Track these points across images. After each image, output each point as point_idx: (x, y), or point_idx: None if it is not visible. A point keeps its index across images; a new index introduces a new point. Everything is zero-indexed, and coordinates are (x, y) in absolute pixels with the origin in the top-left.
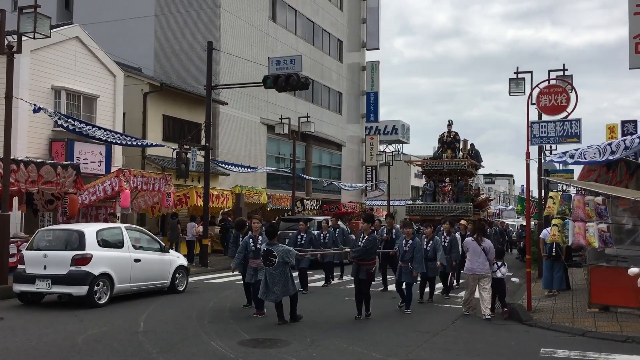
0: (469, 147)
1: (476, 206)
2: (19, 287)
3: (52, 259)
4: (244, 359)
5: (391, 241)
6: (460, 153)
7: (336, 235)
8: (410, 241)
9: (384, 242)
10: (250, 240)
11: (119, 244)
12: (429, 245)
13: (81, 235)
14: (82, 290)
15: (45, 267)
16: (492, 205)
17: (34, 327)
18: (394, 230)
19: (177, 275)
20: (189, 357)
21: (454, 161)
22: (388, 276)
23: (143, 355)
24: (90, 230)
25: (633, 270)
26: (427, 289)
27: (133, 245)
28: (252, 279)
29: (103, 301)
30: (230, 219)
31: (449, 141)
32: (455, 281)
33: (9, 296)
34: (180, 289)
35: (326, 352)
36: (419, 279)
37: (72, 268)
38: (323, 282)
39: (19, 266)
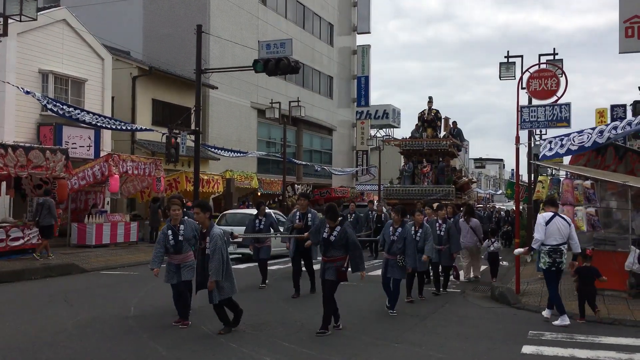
0: (450, 125)
1: (458, 189)
2: None
3: None
4: (233, 342)
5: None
6: (442, 132)
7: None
8: (400, 229)
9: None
10: (169, 231)
11: None
12: (418, 234)
13: None
14: None
15: None
16: (480, 190)
17: (23, 312)
18: (309, 215)
19: None
20: (179, 341)
21: (434, 141)
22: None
23: (133, 339)
24: None
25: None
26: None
27: None
28: (174, 279)
29: None
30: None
31: (429, 119)
32: (455, 273)
33: None
34: None
35: (316, 336)
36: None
37: None
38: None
39: None
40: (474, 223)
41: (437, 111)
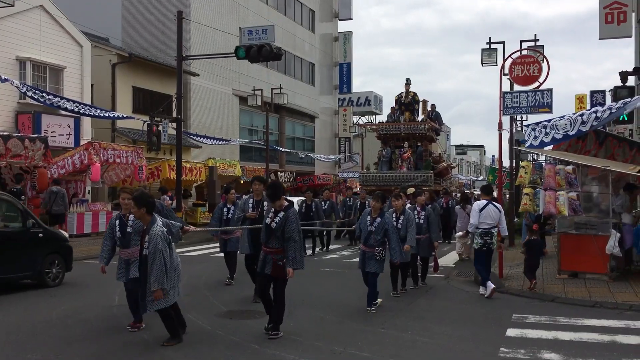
0: (429, 108)
1: (437, 174)
2: None
3: None
4: (221, 330)
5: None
6: (420, 115)
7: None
8: (379, 219)
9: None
10: (117, 221)
11: None
12: (400, 221)
13: None
14: None
15: None
16: (462, 176)
17: (4, 304)
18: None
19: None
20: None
21: (412, 124)
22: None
23: (119, 329)
24: None
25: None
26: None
27: None
28: (123, 277)
29: None
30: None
31: (407, 102)
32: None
33: None
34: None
35: (303, 322)
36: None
37: None
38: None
39: None
40: (469, 209)
41: (415, 94)
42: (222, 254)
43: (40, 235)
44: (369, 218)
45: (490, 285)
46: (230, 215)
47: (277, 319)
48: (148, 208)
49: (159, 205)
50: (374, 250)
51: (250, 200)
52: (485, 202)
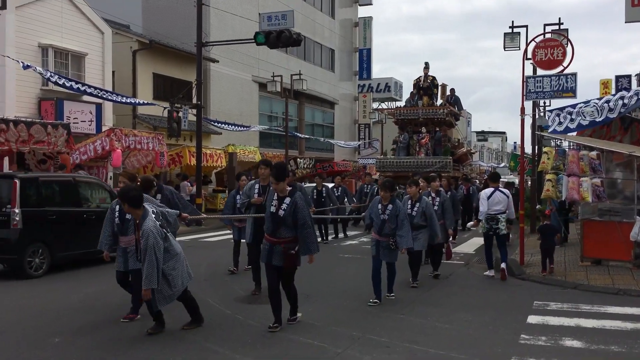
0: (448, 92)
1: (456, 160)
2: None
3: None
4: (240, 315)
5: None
6: (439, 100)
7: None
8: (390, 206)
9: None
10: (117, 207)
11: None
12: (415, 209)
13: None
14: None
15: None
16: (483, 162)
17: (27, 288)
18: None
19: None
20: (186, 314)
21: (430, 109)
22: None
23: (140, 312)
24: None
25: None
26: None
27: None
28: (121, 267)
29: None
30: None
31: (425, 86)
32: (448, 252)
33: None
34: None
35: (321, 308)
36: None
37: None
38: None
39: None
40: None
41: (434, 78)
42: (242, 241)
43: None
44: (380, 206)
45: (492, 272)
46: None
47: (294, 306)
48: (131, 203)
49: (168, 192)
50: (389, 239)
51: (257, 186)
52: (492, 189)
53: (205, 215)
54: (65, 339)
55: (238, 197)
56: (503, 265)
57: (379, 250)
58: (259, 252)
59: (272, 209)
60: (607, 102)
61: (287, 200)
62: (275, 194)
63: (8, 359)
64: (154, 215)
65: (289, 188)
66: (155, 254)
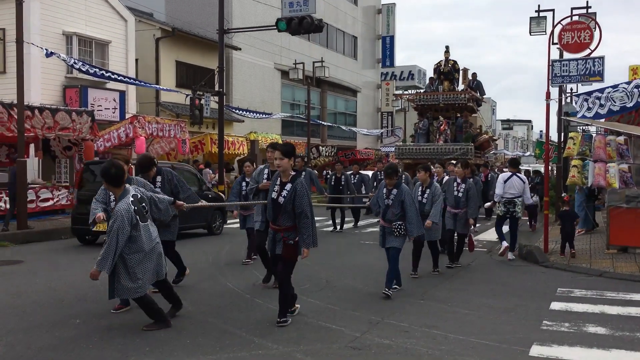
0: (469, 77)
1: (477, 147)
2: None
3: None
4: (259, 299)
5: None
6: (460, 85)
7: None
8: (395, 190)
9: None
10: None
11: None
12: (426, 195)
13: None
14: None
15: None
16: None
17: (53, 270)
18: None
19: None
20: (206, 297)
21: (451, 94)
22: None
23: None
24: None
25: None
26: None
27: None
28: None
29: None
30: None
31: (446, 71)
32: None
33: (29, 240)
34: None
35: (341, 292)
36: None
37: None
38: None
39: None
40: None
41: (455, 62)
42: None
43: (210, 196)
44: (384, 190)
45: (511, 256)
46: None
47: (284, 307)
48: (109, 180)
49: (169, 174)
50: (392, 225)
51: (266, 170)
52: (510, 173)
53: (204, 203)
54: (86, 321)
55: (244, 183)
56: (505, 243)
57: (384, 236)
58: (265, 241)
59: (274, 194)
60: (637, 87)
61: (288, 186)
62: (279, 179)
63: (35, 336)
64: (132, 199)
65: (292, 173)
66: (117, 237)
